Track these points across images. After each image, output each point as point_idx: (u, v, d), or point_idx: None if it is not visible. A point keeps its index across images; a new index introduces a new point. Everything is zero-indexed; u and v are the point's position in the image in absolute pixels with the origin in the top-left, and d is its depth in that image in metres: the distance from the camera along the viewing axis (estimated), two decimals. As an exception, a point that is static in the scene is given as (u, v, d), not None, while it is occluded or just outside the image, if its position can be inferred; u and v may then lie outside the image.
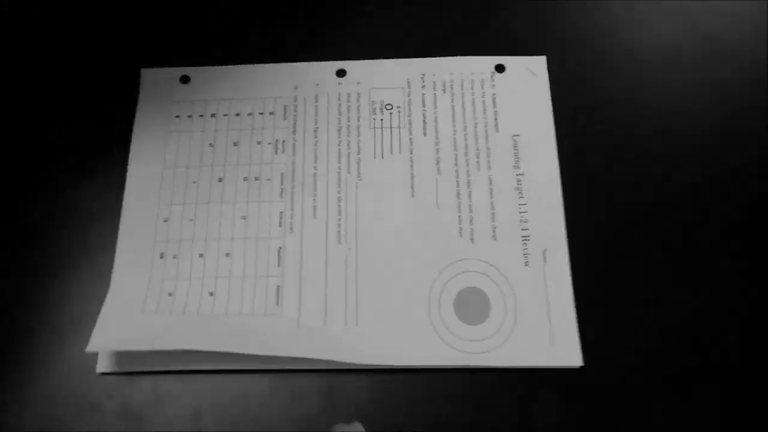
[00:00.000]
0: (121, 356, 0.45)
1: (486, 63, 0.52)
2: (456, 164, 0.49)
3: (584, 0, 0.54)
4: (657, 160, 0.48)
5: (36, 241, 0.48)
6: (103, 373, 0.45)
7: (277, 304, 0.46)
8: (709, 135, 0.49)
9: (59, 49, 0.54)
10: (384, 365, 0.44)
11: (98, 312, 0.45)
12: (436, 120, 0.50)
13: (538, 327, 0.44)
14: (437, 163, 0.49)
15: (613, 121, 0.50)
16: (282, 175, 0.49)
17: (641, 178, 0.48)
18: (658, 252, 0.46)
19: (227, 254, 0.47)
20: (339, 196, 0.48)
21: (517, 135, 0.49)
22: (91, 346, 0.43)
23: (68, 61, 0.53)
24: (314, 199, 0.48)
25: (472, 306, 0.45)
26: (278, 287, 0.46)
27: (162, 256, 0.47)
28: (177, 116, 0.51)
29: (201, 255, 0.47)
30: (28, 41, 0.54)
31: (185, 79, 0.53)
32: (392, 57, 0.52)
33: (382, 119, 0.51)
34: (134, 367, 0.45)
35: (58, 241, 0.48)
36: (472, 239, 0.47)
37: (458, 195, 0.48)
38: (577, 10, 0.54)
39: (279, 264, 0.47)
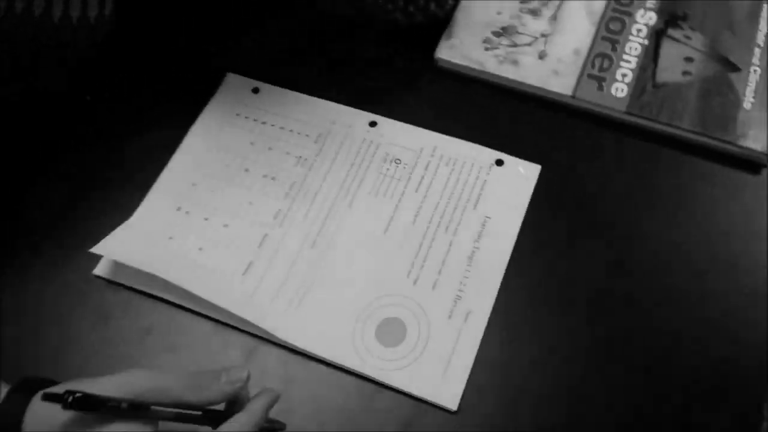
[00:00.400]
0: (115, 266, 0.56)
1: (489, 154, 0.61)
2: (430, 222, 0.58)
3: (593, 125, 0.62)
4: (596, 272, 0.55)
5: (103, 168, 0.61)
6: (97, 276, 0.56)
7: (243, 274, 0.55)
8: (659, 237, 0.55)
9: (173, 53, 0.68)
10: (301, 348, 0.52)
11: (109, 231, 0.56)
12: (430, 184, 0.59)
13: (436, 369, 0.52)
14: (416, 215, 0.58)
15: (574, 238, 0.57)
16: (293, 183, 0.60)
17: (577, 284, 0.55)
18: (564, 342, 0.52)
19: (225, 225, 0.58)
20: (327, 213, 0.58)
21: (489, 217, 0.58)
22: (96, 249, 0.54)
23: (176, 61, 0.67)
24: (308, 209, 0.58)
25: (391, 331, 0.53)
26: (250, 263, 0.56)
27: (179, 209, 0.59)
28: (237, 114, 0.64)
29: (206, 219, 0.58)
30: (148, 46, 0.68)
31: (256, 90, 0.65)
32: (417, 125, 0.62)
33: (388, 168, 0.60)
34: (120, 279, 0.56)
35: (117, 173, 0.60)
36: (415, 282, 0.55)
37: (420, 245, 0.56)
38: (583, 133, 0.62)
39: (259, 246, 0.57)
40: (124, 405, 0.42)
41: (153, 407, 0.43)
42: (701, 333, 0.53)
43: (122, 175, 0.61)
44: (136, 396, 0.42)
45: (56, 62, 0.60)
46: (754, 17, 0.66)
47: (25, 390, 0.44)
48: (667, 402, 0.50)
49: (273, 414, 0.46)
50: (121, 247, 0.56)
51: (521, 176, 0.60)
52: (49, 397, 0.42)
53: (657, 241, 0.57)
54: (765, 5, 0.67)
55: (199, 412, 0.44)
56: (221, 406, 0.45)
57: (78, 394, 0.41)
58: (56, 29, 0.57)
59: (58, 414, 0.42)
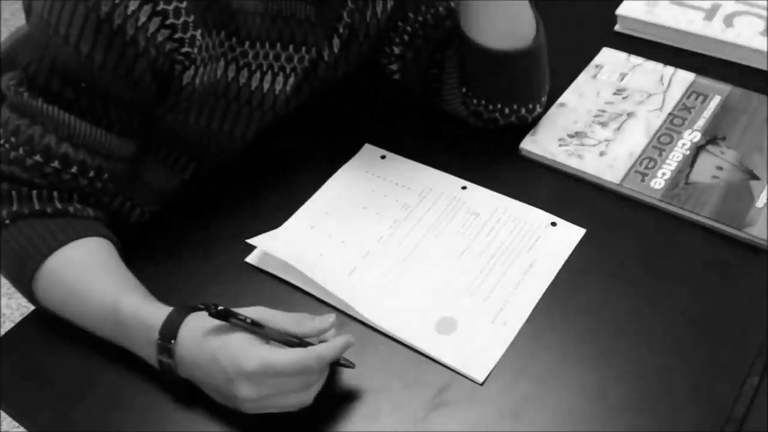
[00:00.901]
0: (262, 257, 0.79)
1: (547, 217, 0.79)
2: (492, 257, 0.76)
3: (633, 206, 0.79)
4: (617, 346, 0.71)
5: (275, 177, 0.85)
6: (248, 263, 0.79)
7: (350, 274, 0.76)
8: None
9: (332, 123, 0.93)
10: (378, 325, 0.72)
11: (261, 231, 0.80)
12: (498, 232, 0.79)
13: (474, 352, 0.69)
14: (482, 251, 0.77)
15: (600, 289, 0.73)
16: (396, 219, 0.81)
17: (596, 319, 0.71)
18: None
19: (342, 241, 0.80)
20: (418, 242, 0.79)
21: (536, 260, 0.76)
22: (253, 240, 0.77)
23: (336, 130, 0.92)
24: (404, 238, 0.79)
25: (446, 324, 0.71)
26: (354, 268, 0.77)
27: (312, 227, 0.81)
28: (366, 171, 0.87)
29: (330, 236, 0.80)
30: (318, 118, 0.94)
31: (383, 157, 0.88)
32: (497, 191, 0.82)
33: (468, 218, 0.80)
34: (265, 266, 0.78)
35: (274, 197, 0.85)
36: (472, 295, 0.73)
37: (481, 271, 0.75)
38: (623, 211, 0.79)
39: (363, 257, 0.78)
40: (248, 320, 0.63)
41: (266, 327, 0.64)
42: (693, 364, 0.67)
43: (278, 199, 0.85)
44: (260, 320, 0.64)
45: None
46: (783, 144, 0.82)
47: (183, 309, 0.67)
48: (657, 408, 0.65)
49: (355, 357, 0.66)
50: (271, 243, 0.79)
51: (569, 236, 0.78)
52: (201, 308, 0.64)
53: (666, 299, 0.72)
54: (796, 137, 0.83)
55: (297, 339, 0.64)
56: (315, 340, 0.65)
57: (220, 307, 0.63)
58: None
59: (204, 323, 0.64)
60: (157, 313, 0.67)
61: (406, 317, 0.72)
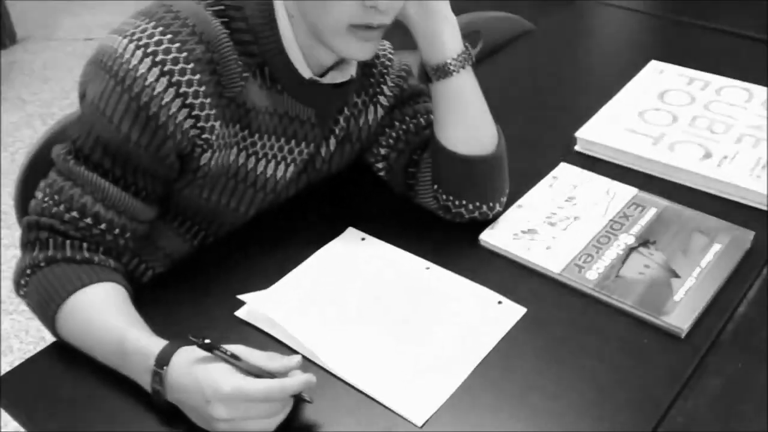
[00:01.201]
0: (254, 314, 0.91)
1: (495, 297, 0.92)
2: (445, 324, 0.89)
3: (569, 292, 0.92)
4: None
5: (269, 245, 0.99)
6: (237, 317, 0.92)
7: (320, 332, 0.89)
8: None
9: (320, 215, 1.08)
10: (340, 374, 0.83)
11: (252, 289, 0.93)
12: (451, 306, 0.91)
13: (422, 394, 0.80)
14: (435, 321, 0.90)
15: (533, 357, 0.85)
16: (367, 291, 0.94)
17: (513, 381, 0.82)
18: None
19: (321, 313, 0.93)
20: (386, 309, 0.91)
21: (478, 332, 0.88)
22: (244, 296, 0.91)
23: (325, 220, 1.07)
24: (373, 306, 0.92)
25: (398, 374, 0.83)
26: (325, 327, 0.90)
27: (297, 292, 0.95)
28: (347, 249, 1.01)
29: (310, 300, 0.93)
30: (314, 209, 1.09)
31: (363, 239, 1.02)
32: (458, 273, 0.95)
33: (428, 293, 0.93)
34: (257, 322, 0.91)
35: (266, 260, 0.99)
36: (422, 354, 0.85)
37: (433, 335, 0.87)
38: (560, 296, 0.92)
39: (336, 319, 0.90)
40: (228, 353, 0.76)
41: (243, 360, 0.76)
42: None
43: (268, 265, 0.98)
44: (238, 354, 0.77)
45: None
46: (704, 249, 0.96)
47: (177, 342, 0.80)
48: None
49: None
50: (258, 301, 0.92)
51: (512, 313, 0.90)
52: (191, 342, 0.77)
53: (587, 372, 0.84)
54: (716, 245, 0.96)
55: (267, 374, 0.77)
56: (283, 376, 0.78)
57: (207, 341, 0.76)
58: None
59: (193, 354, 0.77)
60: (155, 345, 0.80)
61: (362, 367, 0.84)
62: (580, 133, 1.17)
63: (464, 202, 1.01)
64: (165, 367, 0.78)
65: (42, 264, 0.88)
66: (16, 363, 0.92)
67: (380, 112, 1.07)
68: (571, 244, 0.98)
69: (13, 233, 2.28)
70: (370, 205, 1.10)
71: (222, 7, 0.90)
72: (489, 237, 1.00)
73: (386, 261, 0.99)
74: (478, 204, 1.01)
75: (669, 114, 1.22)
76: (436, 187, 1.02)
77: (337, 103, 1.03)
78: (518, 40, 1.55)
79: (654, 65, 1.35)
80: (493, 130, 1.00)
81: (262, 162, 0.98)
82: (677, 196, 1.06)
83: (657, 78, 1.32)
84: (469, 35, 1.54)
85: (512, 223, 1.02)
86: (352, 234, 1.04)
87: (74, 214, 0.88)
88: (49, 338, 0.91)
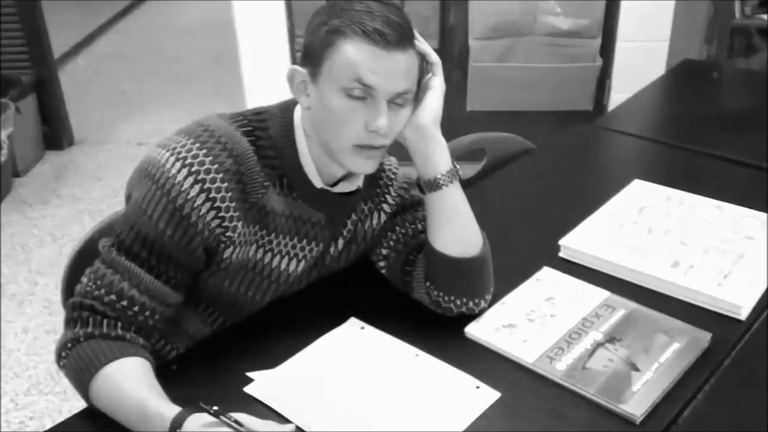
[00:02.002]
0: (261, 390, 1.03)
1: (473, 381, 1.03)
2: (426, 406, 0.99)
3: (539, 380, 1.02)
4: None
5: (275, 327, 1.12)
6: (246, 392, 1.03)
7: (318, 409, 1.00)
8: None
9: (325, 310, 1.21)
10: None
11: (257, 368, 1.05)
12: (435, 388, 1.02)
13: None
14: (419, 400, 1.00)
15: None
16: (363, 374, 1.05)
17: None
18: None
19: (319, 385, 1.04)
20: (379, 390, 1.02)
21: (455, 412, 0.98)
22: (253, 374, 1.03)
23: (329, 312, 1.20)
24: (368, 387, 1.03)
25: None
26: (324, 405, 1.01)
27: (299, 373, 1.06)
28: (348, 337, 1.13)
29: (311, 382, 1.05)
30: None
31: (362, 328, 1.15)
32: (445, 361, 1.06)
33: (415, 376, 1.04)
34: (268, 400, 1.02)
35: (269, 345, 1.11)
36: (408, 427, 0.96)
37: (416, 413, 0.98)
38: (532, 384, 1.02)
39: (333, 398, 1.02)
40: (233, 419, 0.88)
41: (245, 426, 0.88)
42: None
43: (275, 348, 1.10)
44: (241, 420, 0.89)
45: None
46: (664, 347, 1.06)
47: (190, 408, 0.92)
48: None
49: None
50: (267, 378, 1.04)
51: (487, 396, 1.01)
52: (201, 408, 0.90)
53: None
54: (675, 344, 1.06)
55: None
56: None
57: (215, 408, 0.88)
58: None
59: (203, 419, 0.89)
60: (171, 411, 0.92)
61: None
62: (563, 241, 1.30)
63: (453, 298, 1.13)
64: (178, 430, 0.90)
65: (81, 339, 1.01)
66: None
67: (383, 217, 1.22)
68: (546, 338, 1.09)
69: (55, 320, 2.44)
70: (371, 298, 1.22)
71: (250, 128, 1.08)
72: (473, 330, 1.12)
73: (381, 347, 1.11)
74: (465, 300, 1.13)
75: (645, 226, 1.34)
76: (428, 284, 1.14)
77: (345, 208, 1.18)
78: (519, 158, 1.70)
79: (637, 183, 1.49)
80: (478, 235, 1.14)
81: (277, 258, 1.13)
82: (646, 299, 1.17)
83: (638, 194, 1.45)
84: (474, 153, 1.71)
85: (496, 317, 1.14)
86: (353, 323, 1.16)
87: (112, 297, 1.02)
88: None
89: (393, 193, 1.22)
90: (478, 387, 1.03)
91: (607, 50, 2.94)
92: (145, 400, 0.95)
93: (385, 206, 1.22)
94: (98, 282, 1.03)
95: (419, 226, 1.20)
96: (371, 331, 1.14)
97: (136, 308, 1.03)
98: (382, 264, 1.23)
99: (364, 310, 1.18)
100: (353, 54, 0.99)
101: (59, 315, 1.36)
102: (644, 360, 1.04)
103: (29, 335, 2.41)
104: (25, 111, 3.32)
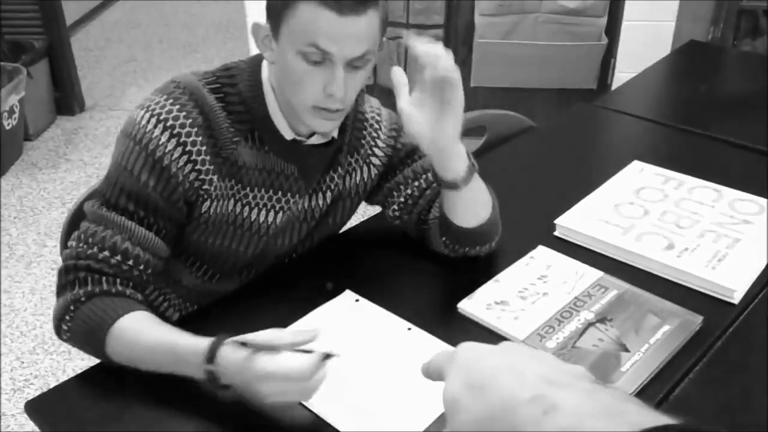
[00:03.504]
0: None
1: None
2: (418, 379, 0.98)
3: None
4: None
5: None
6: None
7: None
8: None
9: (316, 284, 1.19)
10: (328, 419, 0.93)
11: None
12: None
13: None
14: (411, 373, 0.99)
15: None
16: (356, 345, 1.04)
17: None
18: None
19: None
20: (371, 361, 1.01)
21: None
22: (243, 337, 1.01)
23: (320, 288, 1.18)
24: (361, 358, 1.02)
25: (379, 421, 0.92)
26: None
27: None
28: (343, 309, 1.11)
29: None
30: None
31: (357, 300, 1.13)
32: (439, 338, 1.05)
33: (408, 350, 1.03)
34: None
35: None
36: (400, 402, 0.95)
37: (408, 385, 0.97)
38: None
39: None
40: (256, 346, 0.89)
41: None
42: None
43: (274, 316, 1.09)
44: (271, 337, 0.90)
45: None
46: (654, 329, 1.04)
47: (220, 337, 0.91)
48: None
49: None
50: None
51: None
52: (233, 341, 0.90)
53: None
54: (666, 326, 1.05)
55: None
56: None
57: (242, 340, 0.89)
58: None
59: (233, 349, 0.89)
60: (203, 341, 0.92)
61: (346, 411, 0.94)
62: (559, 221, 1.27)
63: (467, 249, 1.17)
64: (215, 359, 0.90)
65: (83, 299, 1.00)
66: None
67: (374, 171, 1.21)
68: (537, 316, 1.07)
69: (62, 281, 2.44)
70: (366, 271, 1.21)
71: (218, 85, 1.08)
72: (466, 305, 1.10)
73: (374, 320, 1.09)
74: (477, 248, 1.17)
75: (641, 208, 1.31)
76: (444, 239, 1.16)
77: (320, 160, 1.16)
78: (519, 136, 1.67)
79: (636, 164, 1.46)
80: (488, 208, 1.14)
81: (255, 210, 1.12)
82: (639, 280, 1.15)
83: (636, 176, 1.42)
84: (475, 129, 1.68)
85: (488, 294, 1.12)
86: (348, 296, 1.15)
87: (106, 253, 1.02)
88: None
89: (381, 144, 1.21)
90: (468, 363, 1.01)
91: (612, 29, 2.88)
92: (174, 339, 0.95)
93: (374, 159, 1.21)
94: (89, 240, 1.02)
95: (422, 183, 1.20)
96: (365, 303, 1.13)
97: (130, 262, 1.02)
98: (397, 223, 1.24)
99: (359, 283, 1.17)
100: (309, 18, 0.96)
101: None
102: (634, 341, 1.02)
103: (36, 296, 2.41)
104: (37, 76, 3.29)
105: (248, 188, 1.10)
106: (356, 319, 1.10)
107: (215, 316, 1.11)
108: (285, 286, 1.17)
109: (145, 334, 0.97)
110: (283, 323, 1.08)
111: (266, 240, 1.16)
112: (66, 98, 3.58)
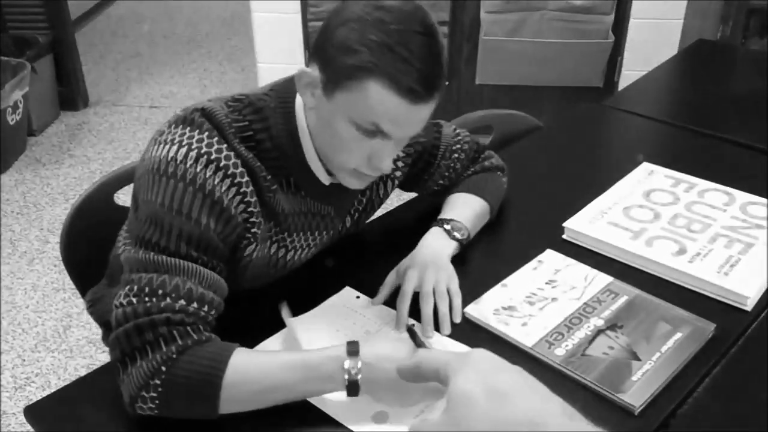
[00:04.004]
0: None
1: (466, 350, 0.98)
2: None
3: (537, 365, 0.97)
4: None
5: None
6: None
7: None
8: None
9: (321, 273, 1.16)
10: (337, 417, 0.90)
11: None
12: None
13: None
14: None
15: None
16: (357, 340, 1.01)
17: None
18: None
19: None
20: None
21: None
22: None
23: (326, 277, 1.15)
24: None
25: (381, 415, 0.89)
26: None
27: (296, 338, 1.02)
28: (343, 305, 1.08)
29: (308, 346, 1.01)
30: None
31: (358, 297, 1.10)
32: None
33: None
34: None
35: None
36: (403, 401, 0.92)
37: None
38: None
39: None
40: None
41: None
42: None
43: (266, 318, 1.06)
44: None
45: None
46: (666, 337, 1.01)
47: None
48: None
49: None
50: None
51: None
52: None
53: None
54: (678, 333, 1.01)
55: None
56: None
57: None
58: None
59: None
60: (335, 348, 0.89)
61: (354, 409, 0.91)
62: (568, 224, 1.24)
63: None
64: (358, 353, 0.87)
65: (175, 356, 0.87)
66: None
67: (396, 182, 1.21)
68: (546, 322, 1.04)
69: (64, 278, 2.41)
70: (366, 269, 1.18)
71: (251, 133, 0.98)
72: (472, 310, 1.07)
73: (375, 316, 1.07)
74: None
75: (651, 211, 1.28)
76: None
77: (352, 194, 1.14)
78: (526, 136, 1.64)
79: (645, 166, 1.43)
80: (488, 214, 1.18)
81: (291, 252, 1.10)
82: (650, 286, 1.12)
83: (646, 178, 1.39)
84: (482, 128, 1.65)
85: (495, 299, 1.09)
86: (348, 292, 1.12)
87: (182, 302, 0.89)
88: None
89: (401, 155, 1.19)
90: (473, 364, 0.99)
91: (619, 27, 2.84)
92: (301, 356, 0.90)
93: (396, 172, 1.19)
94: (159, 292, 0.89)
95: (445, 182, 1.26)
96: (365, 300, 1.10)
97: (206, 308, 0.91)
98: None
99: (358, 280, 1.14)
100: (377, 101, 0.90)
101: (67, 273, 1.32)
102: (645, 349, 0.99)
103: (38, 292, 2.39)
104: (41, 71, 3.26)
105: (286, 233, 1.07)
106: (358, 316, 1.07)
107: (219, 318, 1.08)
108: (285, 283, 1.14)
109: (268, 364, 0.90)
110: (283, 322, 1.05)
111: (290, 268, 1.13)
112: (70, 93, 3.55)
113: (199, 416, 0.88)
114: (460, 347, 1.01)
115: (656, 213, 1.28)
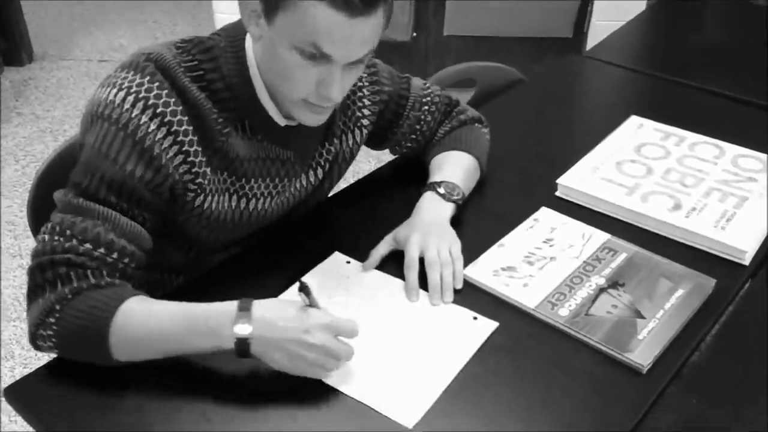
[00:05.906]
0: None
1: (469, 313, 0.98)
2: (426, 336, 0.94)
3: (540, 325, 0.97)
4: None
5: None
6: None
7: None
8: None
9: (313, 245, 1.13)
10: (334, 384, 0.88)
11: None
12: (431, 320, 0.97)
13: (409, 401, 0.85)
14: (417, 333, 0.95)
15: (499, 375, 0.90)
16: (351, 306, 0.99)
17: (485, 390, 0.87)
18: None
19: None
20: (368, 322, 0.97)
21: (455, 343, 0.93)
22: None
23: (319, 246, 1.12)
24: (357, 319, 0.97)
25: (386, 382, 0.88)
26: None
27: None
28: (334, 271, 1.06)
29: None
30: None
31: (348, 262, 1.08)
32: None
33: (409, 309, 0.99)
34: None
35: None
36: (407, 363, 0.90)
37: (415, 347, 0.93)
38: (531, 327, 0.97)
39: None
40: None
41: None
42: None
43: (264, 283, 1.03)
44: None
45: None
46: (668, 294, 1.01)
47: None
48: None
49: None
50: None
51: (486, 327, 0.97)
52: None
53: (557, 404, 0.89)
54: (680, 290, 1.02)
55: None
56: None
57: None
58: None
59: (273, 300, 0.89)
60: (228, 303, 0.87)
61: (354, 377, 0.90)
62: (561, 180, 1.23)
63: None
64: (250, 308, 0.85)
65: (69, 296, 0.88)
66: (17, 369, 0.96)
67: (364, 131, 1.18)
68: (546, 282, 1.04)
69: (20, 243, 2.33)
70: (353, 234, 1.16)
71: (201, 72, 0.96)
72: (471, 272, 1.06)
73: (367, 281, 1.05)
74: None
75: (644, 166, 1.28)
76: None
77: (314, 138, 1.11)
78: (509, 90, 1.62)
79: (634, 120, 1.42)
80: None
81: (253, 201, 1.06)
82: (647, 243, 1.12)
83: (635, 132, 1.38)
84: (465, 81, 1.62)
85: (493, 260, 1.08)
86: (338, 257, 1.10)
87: (88, 245, 0.90)
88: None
89: (367, 102, 1.16)
90: (475, 318, 0.99)
91: (589, -25, 2.83)
92: (191, 309, 0.88)
93: (363, 120, 1.17)
94: (67, 232, 0.90)
95: (419, 137, 1.24)
96: (356, 265, 1.08)
97: (115, 255, 0.91)
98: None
99: (347, 245, 1.12)
100: (313, 19, 0.86)
101: (24, 239, 1.26)
102: (648, 307, 1.00)
103: (-8, 262, 2.31)
104: (-20, 23, 3.11)
105: (244, 180, 1.03)
106: (351, 282, 1.05)
107: (197, 291, 1.04)
108: (273, 252, 1.11)
109: (156, 312, 0.89)
110: (276, 289, 1.02)
111: (262, 223, 1.10)
112: (14, 48, 3.39)
113: (95, 360, 0.89)
114: (466, 312, 1.00)
115: (649, 168, 1.28)
